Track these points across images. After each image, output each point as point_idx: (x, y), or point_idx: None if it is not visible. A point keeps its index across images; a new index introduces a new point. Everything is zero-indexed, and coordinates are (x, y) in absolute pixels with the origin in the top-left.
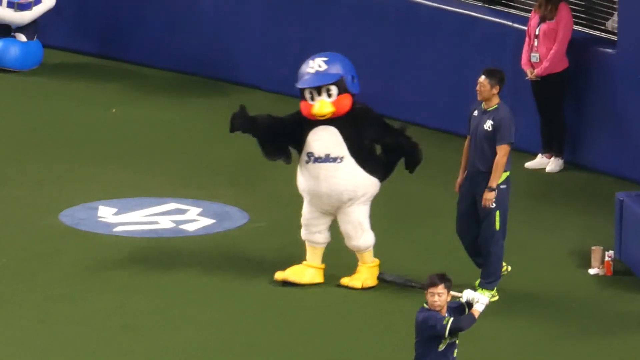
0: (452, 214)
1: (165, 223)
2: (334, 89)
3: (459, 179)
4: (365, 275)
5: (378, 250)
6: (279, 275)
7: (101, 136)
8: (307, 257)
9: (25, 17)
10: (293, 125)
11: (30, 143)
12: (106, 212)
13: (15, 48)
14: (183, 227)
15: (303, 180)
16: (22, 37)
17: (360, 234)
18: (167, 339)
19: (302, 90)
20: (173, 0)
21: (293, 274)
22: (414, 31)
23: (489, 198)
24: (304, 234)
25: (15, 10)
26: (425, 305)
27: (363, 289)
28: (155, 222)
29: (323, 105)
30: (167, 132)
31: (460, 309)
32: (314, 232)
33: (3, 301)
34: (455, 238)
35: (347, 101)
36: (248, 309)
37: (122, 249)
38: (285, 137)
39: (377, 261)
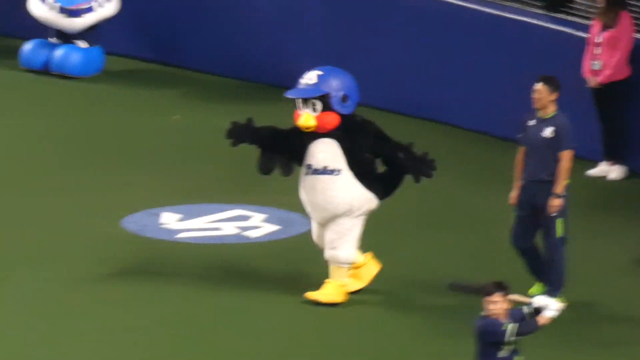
0: (505, 223)
1: (229, 229)
2: (318, 104)
3: (514, 191)
4: (332, 291)
5: (431, 259)
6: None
7: (163, 143)
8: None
9: (75, 24)
10: (295, 136)
11: (91, 150)
12: (169, 219)
13: (76, 55)
14: (247, 233)
15: (302, 191)
16: (83, 44)
17: (345, 245)
18: (228, 347)
19: (294, 99)
20: (233, 7)
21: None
22: (473, 38)
23: (556, 205)
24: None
25: (65, 17)
26: (483, 313)
27: (329, 304)
28: (219, 229)
29: (307, 118)
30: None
31: (524, 315)
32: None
33: (67, 308)
34: (508, 246)
35: (330, 118)
36: (313, 314)
37: (185, 255)
38: (286, 148)
39: (346, 283)
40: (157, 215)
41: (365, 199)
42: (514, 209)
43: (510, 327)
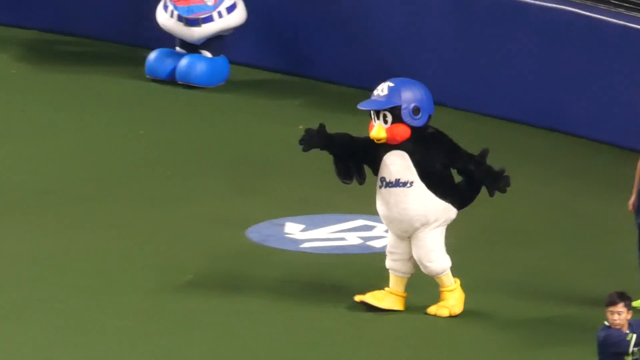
0: (628, 232)
1: (353, 239)
2: (389, 116)
3: (633, 197)
4: (451, 302)
5: (558, 269)
6: (359, 297)
7: (287, 153)
8: (390, 284)
9: (194, 33)
10: (368, 146)
11: (215, 159)
12: (293, 229)
13: (201, 64)
14: (370, 243)
15: (378, 205)
16: (207, 54)
17: (434, 258)
18: (358, 356)
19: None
20: (359, 17)
21: (373, 297)
22: (601, 48)
23: None
24: (387, 262)
25: (184, 26)
26: (605, 323)
27: (451, 316)
28: (343, 239)
29: (378, 130)
30: None
31: None
32: (395, 260)
33: (191, 316)
34: (632, 256)
35: (400, 131)
36: (437, 326)
37: (309, 265)
38: (360, 158)
39: (457, 282)
40: (282, 225)
41: (440, 209)
42: (634, 216)
43: (634, 338)
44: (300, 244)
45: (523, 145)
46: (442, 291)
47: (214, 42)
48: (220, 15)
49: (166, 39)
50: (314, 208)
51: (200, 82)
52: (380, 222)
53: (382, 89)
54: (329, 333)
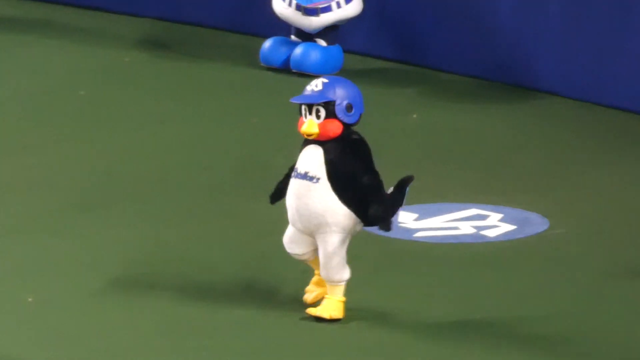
0: None
1: (466, 229)
2: (322, 111)
3: None
4: (333, 307)
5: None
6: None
7: (401, 142)
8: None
9: (312, 22)
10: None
11: None
12: (406, 218)
13: (316, 53)
14: (484, 232)
15: (287, 194)
16: (322, 42)
17: (333, 265)
18: (467, 345)
19: (299, 106)
20: (473, 5)
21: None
22: None
23: None
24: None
25: (303, 15)
26: None
27: (331, 320)
28: (456, 228)
29: (310, 124)
30: (466, 138)
31: None
32: (293, 249)
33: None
34: None
35: (332, 126)
36: (550, 314)
37: (423, 254)
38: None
39: (344, 299)
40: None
41: (341, 214)
42: None
43: None
44: (414, 233)
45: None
46: (327, 297)
47: (330, 32)
48: (338, 5)
49: (280, 28)
50: (426, 197)
51: (314, 70)
52: (495, 211)
53: (316, 84)
54: (443, 323)
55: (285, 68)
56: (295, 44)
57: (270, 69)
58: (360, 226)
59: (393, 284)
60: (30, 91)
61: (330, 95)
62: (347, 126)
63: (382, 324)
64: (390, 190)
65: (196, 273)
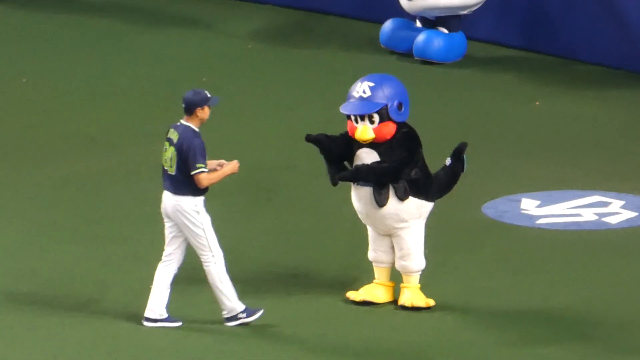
0: None
1: (588, 216)
2: (376, 117)
3: None
4: (413, 294)
5: None
6: (352, 294)
7: (525, 129)
8: (376, 276)
9: (412, 5)
10: (345, 145)
11: (450, 135)
12: (529, 205)
13: (439, 40)
14: (606, 219)
15: (354, 200)
16: (443, 30)
17: (413, 256)
18: (587, 333)
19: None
20: None
21: (367, 293)
22: None
23: None
24: (369, 254)
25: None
26: None
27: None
28: (578, 215)
29: (365, 131)
30: (591, 126)
31: None
32: (376, 251)
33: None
34: None
35: (388, 129)
36: None
37: (545, 241)
38: (342, 156)
39: (419, 285)
40: (518, 201)
41: (412, 206)
42: None
43: None
44: (536, 219)
45: None
46: (403, 285)
47: (452, 19)
48: None
49: (404, 16)
50: (549, 184)
51: (438, 57)
52: (616, 198)
53: (363, 90)
54: (559, 310)
55: (407, 53)
56: (417, 30)
57: (393, 52)
58: (428, 206)
59: (516, 271)
60: (153, 79)
61: (382, 100)
62: (399, 125)
63: (505, 311)
64: (448, 160)
65: (315, 255)
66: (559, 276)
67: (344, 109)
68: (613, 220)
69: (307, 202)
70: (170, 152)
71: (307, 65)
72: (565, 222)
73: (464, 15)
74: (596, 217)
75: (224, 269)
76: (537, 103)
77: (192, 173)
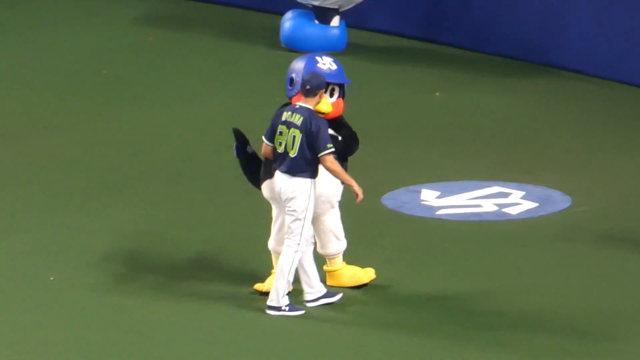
0: None
1: (489, 206)
2: (337, 91)
3: None
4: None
5: None
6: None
7: (425, 120)
8: (274, 265)
9: None
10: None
11: (354, 126)
12: (429, 196)
13: (310, 30)
14: (506, 210)
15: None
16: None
17: (330, 239)
18: (487, 323)
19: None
20: None
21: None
22: None
23: None
24: (270, 243)
25: None
26: None
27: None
28: (479, 205)
29: (326, 102)
30: (491, 117)
31: None
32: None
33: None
34: None
35: (341, 106)
36: (573, 291)
37: (445, 232)
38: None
39: (344, 264)
40: (418, 192)
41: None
42: None
43: None
44: (436, 210)
45: None
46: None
47: (328, 11)
48: None
49: (300, 7)
50: (449, 175)
51: (306, 48)
52: (517, 189)
53: (330, 63)
54: (464, 299)
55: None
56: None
57: (293, 50)
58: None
59: (416, 262)
60: (55, 71)
61: (346, 76)
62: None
63: (405, 301)
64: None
65: (218, 252)
66: (459, 267)
67: (335, 79)
68: (513, 210)
69: (206, 194)
70: (291, 135)
71: (206, 57)
72: (465, 213)
73: (362, 6)
74: (496, 208)
75: (297, 262)
76: (437, 94)
77: (323, 153)
